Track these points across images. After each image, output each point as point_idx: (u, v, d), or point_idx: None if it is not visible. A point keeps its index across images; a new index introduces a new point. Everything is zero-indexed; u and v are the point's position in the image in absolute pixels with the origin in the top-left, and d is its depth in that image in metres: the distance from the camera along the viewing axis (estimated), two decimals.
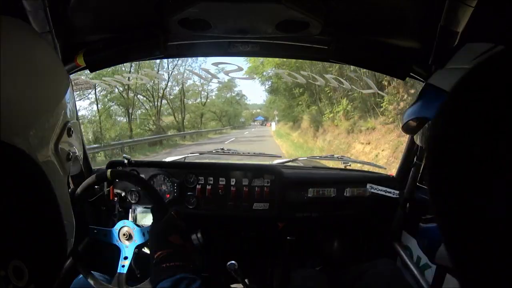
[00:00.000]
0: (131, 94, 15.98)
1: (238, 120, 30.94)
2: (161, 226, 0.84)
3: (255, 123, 34.47)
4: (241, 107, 31.27)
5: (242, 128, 29.21)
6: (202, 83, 21.29)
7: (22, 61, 0.39)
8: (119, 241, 1.02)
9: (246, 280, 1.16)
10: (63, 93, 0.46)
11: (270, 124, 29.54)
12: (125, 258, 0.99)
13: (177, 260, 0.74)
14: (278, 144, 13.66)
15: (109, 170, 0.97)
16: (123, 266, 0.98)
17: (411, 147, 1.24)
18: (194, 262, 0.79)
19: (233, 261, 1.11)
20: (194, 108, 22.56)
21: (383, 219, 1.31)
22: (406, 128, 0.90)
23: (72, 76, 1.19)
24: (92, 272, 0.98)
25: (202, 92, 23.22)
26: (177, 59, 14.92)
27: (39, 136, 0.40)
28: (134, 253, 1.02)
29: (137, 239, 1.01)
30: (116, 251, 1.02)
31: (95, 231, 1.04)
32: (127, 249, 1.01)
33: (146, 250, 1.26)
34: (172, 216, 0.86)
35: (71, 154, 0.48)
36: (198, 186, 1.31)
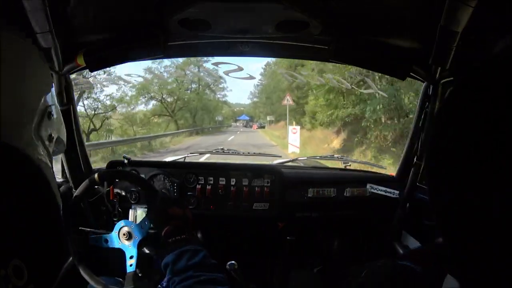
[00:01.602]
0: None
1: (213, 119, 20.06)
2: (158, 204, 0.86)
3: (238, 124, 24.28)
4: (217, 100, 19.93)
5: (215, 133, 17.74)
6: None
7: None
8: (121, 243, 1.03)
9: (245, 280, 1.16)
10: (43, 86, 0.51)
11: (263, 125, 21.73)
12: (131, 257, 1.00)
13: (181, 233, 0.76)
14: None
15: (97, 174, 1.00)
16: (131, 265, 0.99)
17: (411, 147, 1.24)
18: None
19: (233, 261, 1.11)
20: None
21: (383, 219, 1.31)
22: None
23: (72, 76, 1.19)
24: (96, 276, 0.98)
25: None
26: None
27: (20, 122, 0.44)
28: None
29: (137, 235, 1.02)
30: (119, 253, 1.03)
31: (94, 237, 1.04)
32: (131, 248, 1.01)
33: (145, 250, 1.26)
34: (164, 194, 0.89)
35: (53, 135, 0.51)
36: (198, 186, 1.31)
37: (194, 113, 17.19)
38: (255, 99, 24.96)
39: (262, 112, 23.95)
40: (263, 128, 21.91)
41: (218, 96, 20.44)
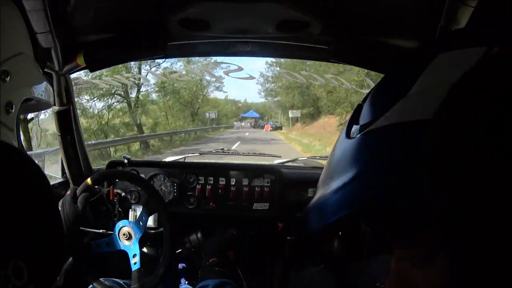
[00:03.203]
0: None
1: (198, 116, 12.61)
2: (224, 240, 1.05)
3: (244, 124, 16.98)
4: (205, 84, 12.38)
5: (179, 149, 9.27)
6: None
7: None
8: (122, 244, 1.04)
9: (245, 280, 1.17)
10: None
11: (273, 127, 14.90)
12: (134, 255, 1.02)
13: (227, 268, 0.89)
14: None
15: (89, 178, 1.03)
16: (135, 263, 1.01)
17: None
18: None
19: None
20: None
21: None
22: None
23: (72, 76, 1.19)
24: (101, 279, 0.99)
25: None
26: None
27: None
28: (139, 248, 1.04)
29: (137, 233, 1.03)
30: (122, 255, 1.04)
31: (98, 245, 1.05)
32: (132, 247, 1.03)
33: (145, 249, 1.27)
34: (234, 235, 1.10)
35: (13, 104, 0.37)
36: (198, 186, 1.31)
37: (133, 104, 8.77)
38: (268, 85, 15.52)
39: (281, 104, 15.25)
40: (280, 130, 14.47)
41: (208, 77, 11.58)
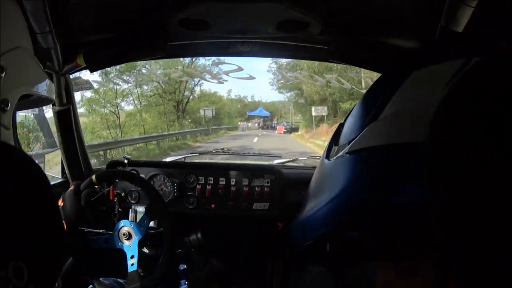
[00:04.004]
0: None
1: (185, 115, 10.32)
2: (204, 274, 1.04)
3: (251, 124, 14.35)
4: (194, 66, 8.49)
5: None
6: None
7: None
8: (121, 243, 1.04)
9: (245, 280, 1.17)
10: None
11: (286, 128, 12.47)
12: (132, 257, 1.02)
13: None
14: None
15: (94, 175, 1.02)
16: (132, 264, 1.01)
17: None
18: None
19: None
20: None
21: None
22: None
23: (72, 76, 1.19)
24: (100, 279, 0.99)
25: None
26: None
27: None
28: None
29: (137, 235, 1.03)
30: (120, 254, 1.04)
31: (94, 238, 1.05)
32: (131, 248, 1.03)
33: (145, 250, 1.27)
34: (214, 265, 1.04)
35: (8, 101, 0.35)
36: (198, 186, 1.31)
37: None
38: (284, 74, 12.27)
39: (297, 101, 12.65)
40: (296, 132, 12.13)
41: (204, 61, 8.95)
